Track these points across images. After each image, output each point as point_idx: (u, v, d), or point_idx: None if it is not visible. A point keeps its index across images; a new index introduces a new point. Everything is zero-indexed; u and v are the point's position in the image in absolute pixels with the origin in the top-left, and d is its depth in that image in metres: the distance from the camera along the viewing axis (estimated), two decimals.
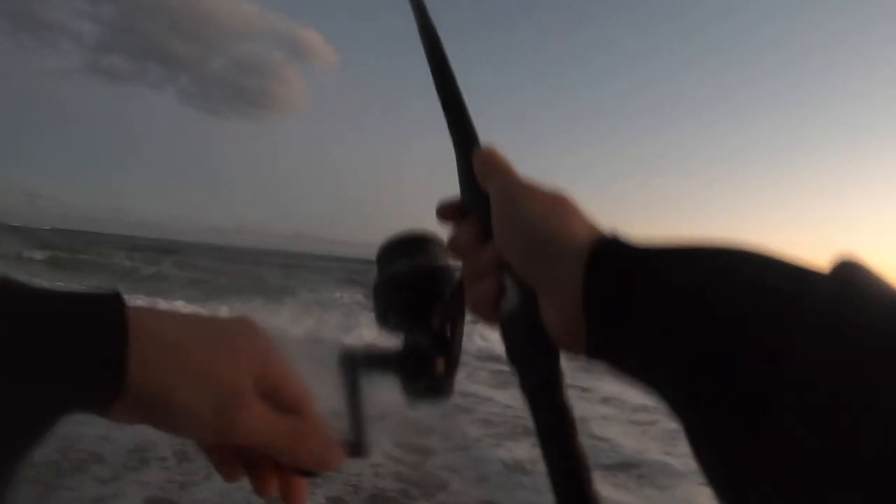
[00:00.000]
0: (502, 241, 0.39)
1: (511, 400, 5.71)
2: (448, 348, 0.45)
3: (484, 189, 0.41)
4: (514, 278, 0.38)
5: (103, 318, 0.31)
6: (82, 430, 3.75)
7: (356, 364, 0.48)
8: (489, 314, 0.39)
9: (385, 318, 0.47)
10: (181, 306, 8.98)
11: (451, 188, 0.46)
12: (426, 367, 0.45)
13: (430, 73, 0.48)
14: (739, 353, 0.27)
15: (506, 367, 0.39)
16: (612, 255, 0.34)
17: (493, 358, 6.93)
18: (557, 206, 0.38)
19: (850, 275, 0.27)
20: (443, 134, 0.47)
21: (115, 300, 0.32)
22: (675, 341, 0.29)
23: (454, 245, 0.43)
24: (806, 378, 0.24)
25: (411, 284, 0.47)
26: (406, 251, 0.48)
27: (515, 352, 0.37)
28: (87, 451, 3.62)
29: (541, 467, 0.34)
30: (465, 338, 0.46)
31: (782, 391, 0.24)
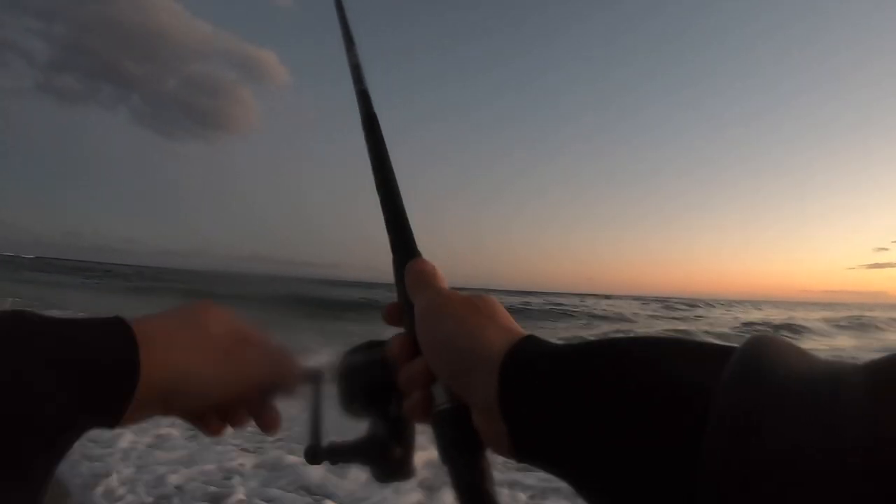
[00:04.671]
0: (426, 355, 0.41)
1: None
2: (404, 435, 0.49)
3: (412, 302, 0.44)
4: (444, 388, 0.40)
5: (113, 332, 0.42)
6: None
7: (321, 458, 0.53)
8: (423, 419, 0.42)
9: (348, 404, 0.51)
10: None
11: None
12: (384, 453, 0.49)
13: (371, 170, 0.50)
14: (657, 448, 0.27)
15: None
16: (523, 361, 0.35)
17: None
18: (473, 315, 0.40)
19: (760, 347, 0.27)
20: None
21: (119, 319, 0.44)
22: (593, 439, 0.30)
23: (390, 355, 0.45)
24: (735, 459, 0.23)
25: (367, 376, 0.50)
26: (367, 347, 0.52)
27: (445, 451, 0.40)
28: None
29: None
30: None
31: (706, 478, 0.24)
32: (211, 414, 0.49)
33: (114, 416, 0.41)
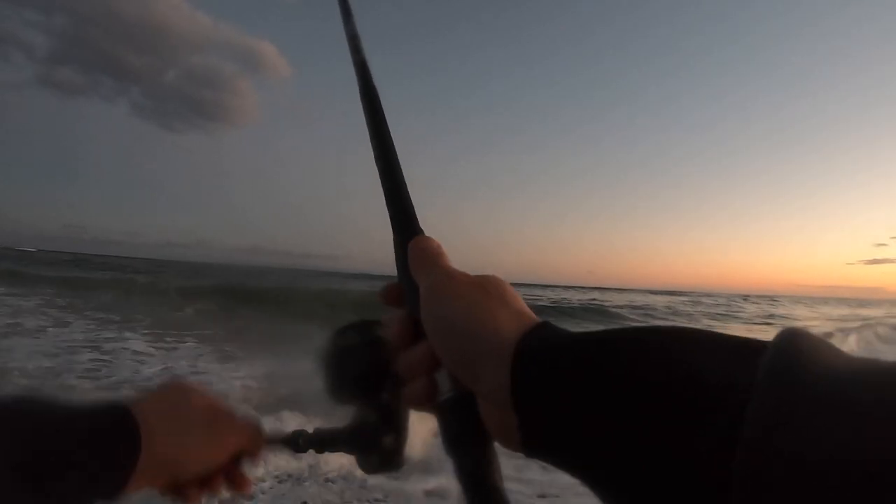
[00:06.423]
0: (431, 339, 0.38)
1: None
2: (396, 422, 0.47)
3: (416, 282, 0.41)
4: (449, 375, 0.38)
5: (117, 418, 0.50)
6: None
7: (306, 446, 0.53)
8: (423, 408, 0.40)
9: (335, 391, 0.49)
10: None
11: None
12: (375, 441, 0.47)
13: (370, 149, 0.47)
14: (682, 446, 0.25)
15: None
16: (538, 350, 0.33)
17: None
18: (482, 297, 0.37)
19: (795, 343, 0.26)
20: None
21: (121, 406, 0.52)
22: (615, 436, 0.28)
23: (389, 337, 0.42)
24: (764, 463, 0.22)
25: (360, 359, 0.47)
26: (358, 330, 0.49)
27: (449, 441, 0.38)
28: None
29: None
30: None
31: (739, 479, 0.22)
32: (191, 484, 0.56)
33: (116, 488, 0.49)
